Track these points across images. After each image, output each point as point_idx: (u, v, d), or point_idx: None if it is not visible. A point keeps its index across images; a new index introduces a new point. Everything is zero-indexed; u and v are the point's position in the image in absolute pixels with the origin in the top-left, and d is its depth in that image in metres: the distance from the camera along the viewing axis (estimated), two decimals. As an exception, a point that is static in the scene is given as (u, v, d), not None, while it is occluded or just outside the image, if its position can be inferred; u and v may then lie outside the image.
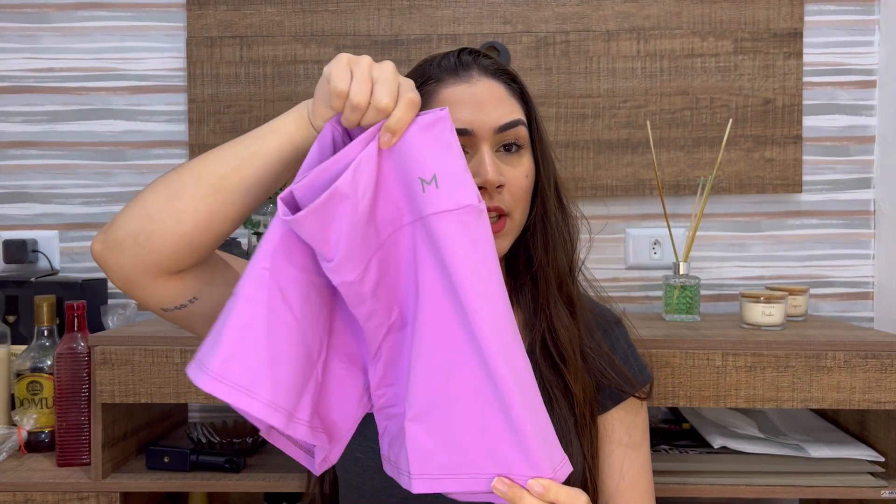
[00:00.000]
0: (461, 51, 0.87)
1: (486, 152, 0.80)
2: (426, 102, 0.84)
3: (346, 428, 0.72)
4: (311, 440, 0.67)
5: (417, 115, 0.66)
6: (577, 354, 0.86)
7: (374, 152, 0.64)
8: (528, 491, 0.64)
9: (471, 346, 0.64)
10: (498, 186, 0.80)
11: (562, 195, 0.89)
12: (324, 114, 0.68)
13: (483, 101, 0.82)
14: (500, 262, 0.91)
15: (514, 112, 0.83)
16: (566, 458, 0.67)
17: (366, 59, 0.66)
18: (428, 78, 0.85)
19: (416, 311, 0.67)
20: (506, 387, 0.63)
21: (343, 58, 0.66)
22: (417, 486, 0.65)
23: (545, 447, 0.65)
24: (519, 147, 0.83)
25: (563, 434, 0.82)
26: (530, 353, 0.86)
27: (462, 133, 0.80)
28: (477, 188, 0.66)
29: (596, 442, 0.87)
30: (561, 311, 0.86)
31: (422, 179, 0.64)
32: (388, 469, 0.71)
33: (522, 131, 0.83)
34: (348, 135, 0.69)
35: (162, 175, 0.73)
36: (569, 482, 0.75)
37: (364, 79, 0.65)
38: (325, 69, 0.67)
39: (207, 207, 0.71)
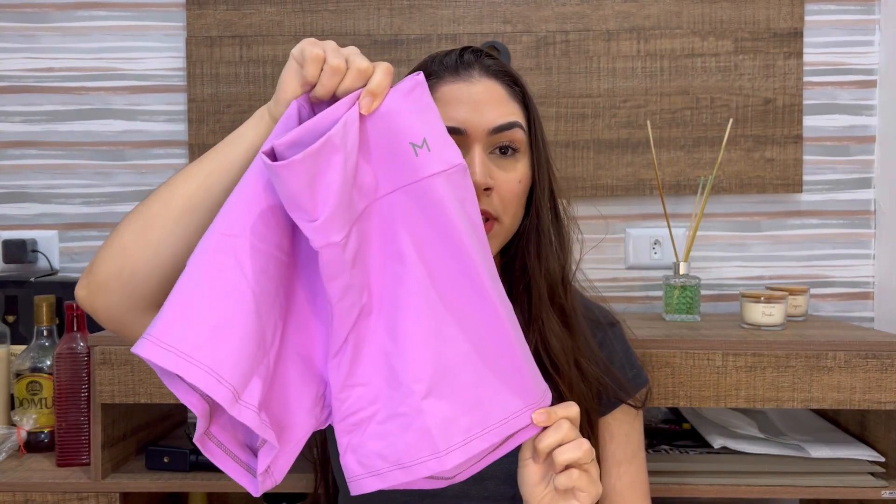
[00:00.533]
0: (464, 49, 0.86)
1: (477, 153, 0.79)
2: None
3: (296, 439, 0.66)
4: (260, 431, 0.60)
5: (394, 84, 0.66)
6: (571, 364, 0.85)
7: (356, 116, 0.63)
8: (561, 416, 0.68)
9: (477, 296, 0.64)
10: (486, 189, 0.79)
11: (557, 204, 0.88)
12: (291, 91, 0.67)
13: (480, 101, 0.81)
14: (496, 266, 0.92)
15: (512, 115, 0.82)
16: (545, 383, 0.70)
17: (331, 42, 0.67)
18: (428, 74, 0.84)
19: (397, 285, 0.65)
20: (506, 329, 0.65)
21: (310, 39, 0.67)
22: (453, 459, 0.62)
23: (535, 378, 0.67)
24: (514, 151, 0.82)
25: None
26: None
27: (455, 132, 0.79)
28: (458, 147, 0.66)
29: (594, 451, 0.86)
30: (553, 321, 0.85)
31: (413, 144, 0.64)
32: (369, 485, 0.64)
33: (519, 135, 0.82)
34: (314, 112, 0.67)
35: (134, 207, 0.71)
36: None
37: (336, 49, 0.65)
38: (293, 51, 0.66)
39: (182, 231, 0.68)
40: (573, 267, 0.91)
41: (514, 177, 0.82)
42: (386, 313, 0.66)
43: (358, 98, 0.64)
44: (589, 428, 0.85)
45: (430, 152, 0.64)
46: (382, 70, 0.64)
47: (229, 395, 0.58)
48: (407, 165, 0.64)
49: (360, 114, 0.63)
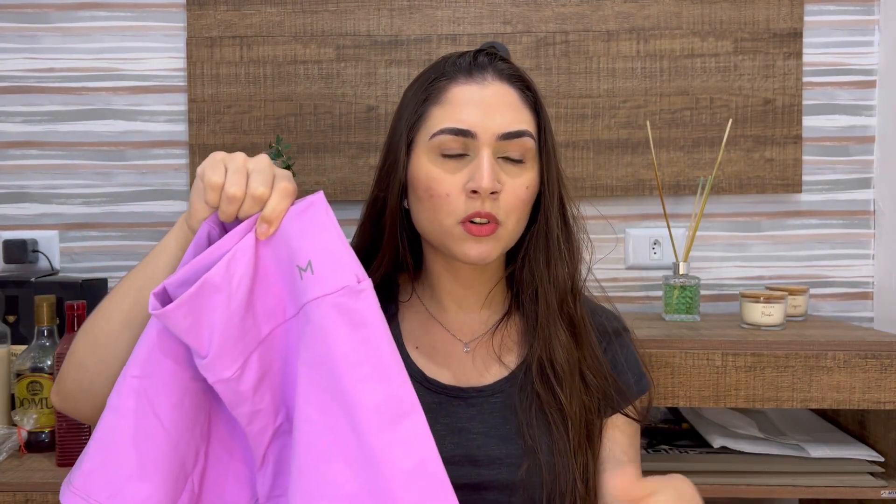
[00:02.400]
0: (479, 51, 0.86)
1: (485, 157, 0.79)
2: (436, 98, 0.83)
3: None
4: None
5: (293, 203, 0.64)
6: (576, 375, 0.84)
7: (252, 243, 0.63)
8: None
9: (353, 435, 0.60)
10: (492, 193, 0.79)
11: (567, 211, 0.87)
12: (200, 212, 0.67)
13: (492, 104, 0.81)
14: (500, 272, 0.91)
15: (522, 122, 0.82)
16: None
17: (239, 154, 0.67)
18: (441, 74, 0.84)
19: (295, 406, 0.63)
20: (380, 470, 0.60)
21: (216, 155, 0.67)
22: None
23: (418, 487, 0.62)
24: (523, 158, 0.82)
25: (562, 454, 0.81)
26: (524, 373, 0.86)
27: (464, 134, 0.80)
28: (359, 263, 0.64)
29: (593, 464, 0.85)
30: (560, 330, 0.84)
31: (298, 267, 0.62)
32: None
33: (528, 143, 0.82)
34: (225, 230, 0.67)
35: (86, 320, 0.75)
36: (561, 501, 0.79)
37: (238, 170, 0.65)
38: (199, 168, 0.66)
39: (126, 345, 0.70)
40: (583, 275, 0.91)
41: (520, 183, 0.82)
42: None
43: (255, 223, 0.64)
44: (587, 439, 0.84)
45: (314, 275, 0.62)
46: (279, 194, 0.64)
47: None
48: (295, 290, 0.63)
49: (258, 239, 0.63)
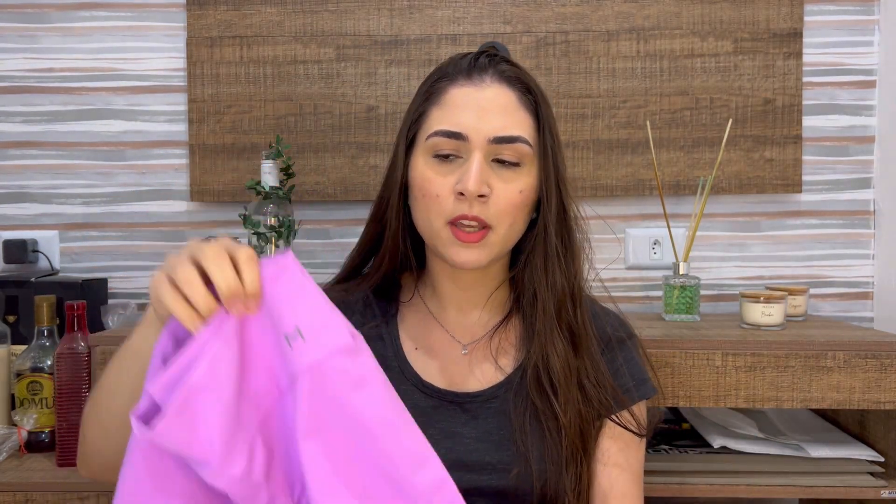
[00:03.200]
0: (481, 52, 0.86)
1: (475, 160, 0.79)
2: (436, 99, 0.83)
3: None
4: None
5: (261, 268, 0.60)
6: (572, 384, 0.82)
7: (233, 326, 0.59)
8: None
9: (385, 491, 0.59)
10: (480, 196, 0.79)
11: (568, 218, 0.86)
12: (164, 312, 0.61)
13: (486, 107, 0.80)
14: (503, 274, 0.90)
15: (518, 127, 0.81)
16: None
17: (182, 260, 0.60)
18: (443, 75, 0.84)
19: (303, 480, 0.60)
20: None
21: (159, 278, 0.60)
22: None
23: None
24: (516, 164, 0.81)
25: (555, 462, 0.80)
26: (521, 378, 0.84)
27: (457, 136, 0.80)
28: (347, 322, 0.61)
29: (587, 475, 0.83)
30: (557, 339, 0.83)
31: (286, 336, 0.59)
32: None
33: (523, 149, 0.81)
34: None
35: (91, 398, 0.74)
36: None
37: (189, 280, 0.59)
38: (163, 268, 0.61)
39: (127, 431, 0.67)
40: (588, 281, 0.89)
41: (513, 188, 0.81)
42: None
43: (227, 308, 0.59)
44: (582, 449, 0.82)
45: (305, 341, 0.59)
46: (248, 267, 0.59)
47: None
48: (287, 359, 0.60)
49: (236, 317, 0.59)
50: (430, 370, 0.87)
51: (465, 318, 0.91)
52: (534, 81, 0.85)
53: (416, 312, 0.92)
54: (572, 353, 0.83)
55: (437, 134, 0.81)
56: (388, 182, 0.88)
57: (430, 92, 0.85)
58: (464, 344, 0.89)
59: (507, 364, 0.87)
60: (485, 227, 0.80)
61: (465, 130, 0.80)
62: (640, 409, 0.88)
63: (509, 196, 0.80)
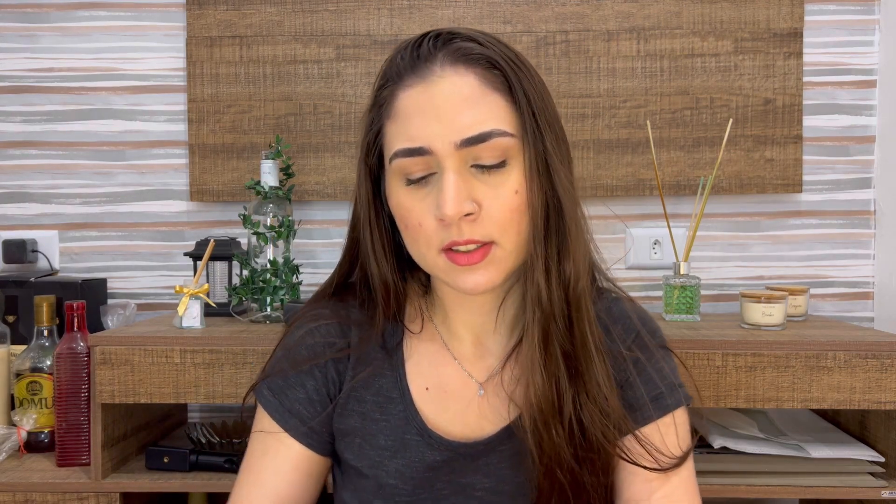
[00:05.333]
0: (423, 37, 0.69)
1: (447, 177, 0.64)
2: (387, 110, 0.69)
3: None
4: None
5: None
6: (555, 424, 0.69)
7: None
8: None
9: None
10: (468, 214, 0.65)
11: (565, 220, 0.69)
12: None
13: (442, 106, 0.65)
14: (499, 298, 0.76)
15: (488, 117, 0.65)
16: None
17: None
18: (387, 80, 0.70)
19: None
20: None
21: None
22: None
23: None
24: (500, 163, 0.66)
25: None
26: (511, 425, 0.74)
27: (419, 153, 0.65)
28: None
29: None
30: (537, 371, 0.69)
31: None
32: None
33: (503, 142, 0.65)
34: None
35: None
36: None
37: None
38: None
39: None
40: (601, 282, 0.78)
41: (505, 192, 0.66)
42: None
43: None
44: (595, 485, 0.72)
45: None
46: None
47: None
48: None
49: None
50: (442, 418, 0.76)
51: (482, 347, 0.78)
52: (499, 50, 0.69)
53: (426, 342, 0.79)
54: (567, 381, 0.69)
55: (397, 155, 0.67)
56: (355, 224, 0.76)
57: (379, 102, 0.71)
58: (480, 382, 0.77)
59: (521, 395, 0.74)
60: (486, 244, 0.66)
61: (426, 143, 0.65)
62: (664, 426, 0.74)
63: (503, 203, 0.66)
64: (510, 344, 0.77)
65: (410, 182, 0.68)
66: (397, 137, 0.68)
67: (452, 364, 0.78)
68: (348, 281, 0.82)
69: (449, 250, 0.67)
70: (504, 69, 0.67)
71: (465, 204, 0.64)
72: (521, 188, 0.66)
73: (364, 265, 0.77)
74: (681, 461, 0.72)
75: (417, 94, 0.66)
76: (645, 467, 0.72)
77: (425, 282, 0.81)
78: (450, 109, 0.65)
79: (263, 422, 0.79)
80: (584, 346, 0.70)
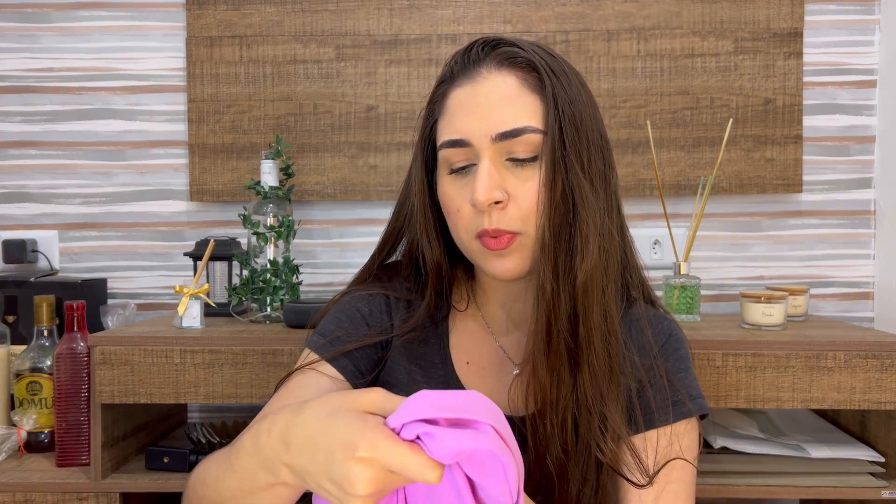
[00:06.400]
0: (474, 44, 0.77)
1: (482, 166, 0.71)
2: (440, 107, 0.77)
3: None
4: None
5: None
6: (554, 420, 0.72)
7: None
8: None
9: None
10: (496, 203, 0.71)
11: (575, 205, 0.72)
12: None
13: (484, 104, 0.72)
14: (531, 287, 0.78)
15: (523, 115, 0.71)
16: None
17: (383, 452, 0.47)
18: (443, 78, 0.78)
19: None
20: None
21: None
22: None
23: None
24: (531, 158, 0.72)
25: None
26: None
27: (460, 144, 0.73)
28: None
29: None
30: (539, 365, 0.72)
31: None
32: None
33: (534, 139, 0.71)
34: None
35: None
36: None
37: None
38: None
39: None
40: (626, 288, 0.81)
41: (532, 185, 0.71)
42: None
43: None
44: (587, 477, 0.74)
45: None
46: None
47: None
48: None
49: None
50: (481, 391, 0.75)
51: (519, 330, 0.83)
52: (541, 56, 0.73)
53: (469, 320, 0.85)
54: (567, 375, 0.72)
55: (443, 146, 0.75)
56: (398, 213, 0.84)
57: (434, 101, 0.79)
58: (517, 363, 0.81)
59: None
60: (509, 234, 0.72)
61: (466, 135, 0.72)
62: (657, 438, 0.76)
63: (529, 195, 0.71)
64: None
65: (453, 171, 0.75)
66: (445, 130, 0.75)
67: (492, 343, 0.83)
68: (386, 263, 0.89)
69: (482, 236, 0.73)
70: (541, 72, 0.73)
71: (496, 192, 0.71)
72: (548, 183, 0.71)
73: (412, 249, 0.84)
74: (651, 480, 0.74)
75: (465, 92, 0.74)
76: (627, 479, 0.73)
77: (469, 269, 0.87)
78: (490, 106, 0.72)
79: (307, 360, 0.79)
80: (589, 343, 0.72)
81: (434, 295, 0.83)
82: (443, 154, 0.76)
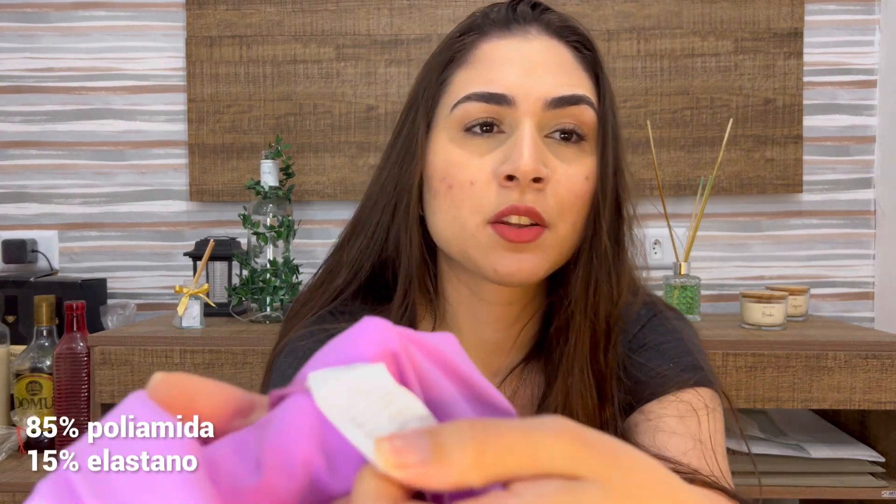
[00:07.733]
0: (518, 1, 0.64)
1: (527, 129, 0.56)
2: (462, 58, 0.62)
3: None
4: None
5: None
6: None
7: None
8: None
9: None
10: (536, 180, 0.56)
11: (623, 222, 0.62)
12: None
13: (536, 62, 0.59)
14: (536, 304, 0.66)
15: (579, 86, 0.59)
16: None
17: None
18: (469, 29, 0.63)
19: None
20: None
21: None
22: None
23: None
24: (580, 137, 0.59)
25: None
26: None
27: (498, 100, 0.58)
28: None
29: None
30: (586, 381, 0.61)
31: None
32: None
33: (588, 114, 0.59)
34: None
35: None
36: None
37: None
38: None
39: None
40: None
41: (577, 171, 0.58)
42: None
43: None
44: None
45: None
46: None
47: None
48: None
49: None
50: None
51: (493, 360, 0.68)
52: (590, 35, 0.64)
53: None
54: (597, 404, 0.62)
55: (469, 98, 0.59)
56: (393, 184, 0.66)
57: (453, 51, 0.63)
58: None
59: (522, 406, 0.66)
60: (540, 223, 0.57)
61: (511, 91, 0.57)
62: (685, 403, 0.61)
63: (573, 183, 0.58)
64: (515, 362, 0.68)
65: (469, 130, 0.59)
66: (471, 83, 0.60)
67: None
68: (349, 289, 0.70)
69: (498, 223, 0.57)
70: (596, 53, 0.63)
71: (541, 165, 0.56)
72: (591, 176, 0.59)
73: (385, 262, 0.68)
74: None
75: (508, 45, 0.60)
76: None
77: (432, 289, 0.68)
78: (544, 67, 0.59)
79: None
80: (611, 369, 0.63)
81: (408, 308, 0.65)
82: (463, 108, 0.59)
